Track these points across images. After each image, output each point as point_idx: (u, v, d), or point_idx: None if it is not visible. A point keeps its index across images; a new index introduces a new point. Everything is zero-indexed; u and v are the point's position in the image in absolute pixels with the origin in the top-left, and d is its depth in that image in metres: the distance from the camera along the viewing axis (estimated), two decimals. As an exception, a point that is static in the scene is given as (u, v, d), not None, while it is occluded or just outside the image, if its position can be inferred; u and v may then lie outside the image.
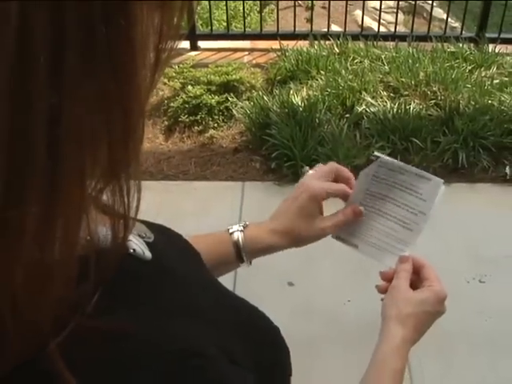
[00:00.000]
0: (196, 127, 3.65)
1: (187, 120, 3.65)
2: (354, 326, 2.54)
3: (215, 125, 3.66)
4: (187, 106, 3.68)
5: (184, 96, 3.72)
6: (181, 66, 3.99)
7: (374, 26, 5.10)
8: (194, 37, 4.26)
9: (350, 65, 3.97)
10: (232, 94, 3.76)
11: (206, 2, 4.39)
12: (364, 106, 3.62)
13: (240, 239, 0.98)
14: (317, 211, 0.99)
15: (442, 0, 5.57)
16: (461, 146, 3.36)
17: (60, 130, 0.39)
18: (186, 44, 4.23)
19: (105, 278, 0.47)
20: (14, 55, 0.36)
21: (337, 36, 4.21)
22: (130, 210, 0.48)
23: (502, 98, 3.61)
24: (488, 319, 2.60)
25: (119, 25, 0.40)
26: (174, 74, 3.93)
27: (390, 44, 4.21)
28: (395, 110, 3.56)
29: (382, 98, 3.71)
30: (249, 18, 4.84)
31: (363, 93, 3.71)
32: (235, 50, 4.31)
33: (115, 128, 0.43)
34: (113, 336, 0.48)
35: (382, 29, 4.55)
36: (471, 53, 4.11)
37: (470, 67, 3.96)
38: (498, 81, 3.84)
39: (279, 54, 4.15)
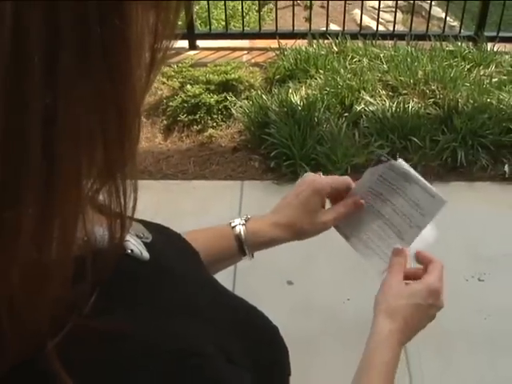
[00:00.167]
0: (195, 126, 3.65)
1: (186, 119, 3.65)
2: (353, 324, 2.53)
3: (214, 124, 3.66)
4: (186, 105, 3.68)
5: (183, 95, 3.71)
6: (179, 65, 3.99)
7: (373, 25, 5.10)
8: (192, 36, 4.26)
9: (349, 64, 3.97)
10: (231, 93, 3.76)
11: (205, 2, 4.40)
12: (363, 105, 3.62)
13: (242, 233, 0.98)
14: (319, 205, 1.00)
15: (440, -1, 5.58)
16: (459, 144, 3.36)
17: (55, 130, 0.39)
18: (184, 43, 4.24)
19: (102, 278, 0.47)
20: (8, 55, 0.36)
21: (335, 35, 4.21)
22: (127, 210, 0.48)
23: (501, 97, 3.61)
24: (487, 317, 2.60)
25: (114, 25, 0.39)
26: (172, 74, 3.92)
27: (389, 43, 4.21)
28: (394, 108, 3.56)
29: (380, 96, 3.71)
30: (247, 18, 4.84)
31: (362, 92, 3.71)
32: (234, 49, 4.31)
33: (110, 128, 0.43)
34: (110, 336, 0.48)
35: (381, 28, 4.55)
36: (470, 51, 4.11)
37: (468, 66, 3.96)
38: (496, 79, 3.84)
39: (278, 53, 4.14)
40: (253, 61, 4.22)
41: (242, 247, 0.98)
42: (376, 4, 4.73)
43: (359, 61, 4.01)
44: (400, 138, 3.40)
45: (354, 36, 4.23)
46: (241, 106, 3.68)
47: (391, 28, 4.49)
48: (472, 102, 3.58)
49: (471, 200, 3.19)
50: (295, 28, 4.32)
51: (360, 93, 3.70)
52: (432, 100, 3.68)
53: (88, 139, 0.42)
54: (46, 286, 0.43)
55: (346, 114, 3.60)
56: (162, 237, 0.69)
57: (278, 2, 4.44)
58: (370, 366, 0.86)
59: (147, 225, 0.69)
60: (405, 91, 3.75)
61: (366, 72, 3.87)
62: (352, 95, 3.68)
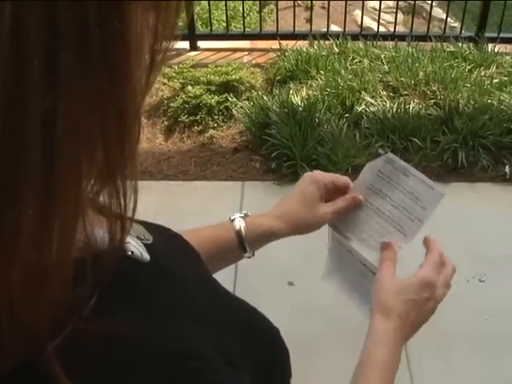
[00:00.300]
0: (196, 127, 3.65)
1: (187, 120, 3.65)
2: (354, 324, 2.53)
3: (215, 125, 3.66)
4: (187, 106, 3.68)
5: (184, 96, 3.72)
6: (180, 66, 3.99)
7: (374, 25, 5.10)
8: (193, 37, 4.26)
9: (350, 65, 3.96)
10: (232, 94, 3.76)
11: (206, 3, 4.40)
12: (363, 106, 3.62)
13: (241, 224, 0.98)
14: (317, 197, 0.99)
15: (441, 0, 5.57)
16: (460, 145, 3.36)
17: (55, 130, 0.39)
18: (185, 44, 4.23)
19: (102, 280, 0.47)
20: (8, 55, 0.36)
21: (336, 36, 4.21)
22: (127, 212, 0.48)
23: (502, 98, 3.61)
24: (488, 318, 2.60)
25: (113, 25, 0.39)
26: (173, 74, 3.93)
27: (390, 44, 4.21)
28: (395, 109, 3.56)
29: (381, 97, 3.71)
30: (248, 18, 4.84)
31: (363, 92, 3.71)
32: (235, 50, 4.31)
33: (110, 129, 0.43)
34: (110, 338, 0.47)
35: (382, 29, 4.54)
36: (470, 52, 4.11)
37: (469, 67, 3.96)
38: (497, 80, 3.84)
39: (279, 53, 4.14)
40: (254, 62, 4.22)
41: (242, 240, 0.97)
42: (377, 5, 4.73)
43: (360, 62, 4.01)
44: (401, 139, 3.40)
45: (354, 37, 4.23)
46: (242, 107, 3.68)
47: (392, 29, 4.49)
48: (473, 102, 3.58)
49: (472, 201, 3.18)
50: (296, 29, 4.31)
51: (361, 93, 3.70)
52: (433, 101, 3.68)
53: (88, 140, 0.41)
54: (45, 289, 0.43)
55: (346, 115, 3.60)
56: (162, 238, 0.69)
57: (279, 3, 4.44)
58: (367, 366, 0.85)
59: (148, 226, 0.68)
60: (406, 92, 3.74)
61: (367, 73, 3.87)
62: (353, 96, 3.68)
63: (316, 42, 4.17)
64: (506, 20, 4.37)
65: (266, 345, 0.68)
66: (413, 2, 4.56)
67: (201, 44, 4.33)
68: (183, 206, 3.15)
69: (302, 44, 4.19)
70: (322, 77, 3.85)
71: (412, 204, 0.96)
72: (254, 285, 2.61)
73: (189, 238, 0.79)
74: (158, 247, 0.64)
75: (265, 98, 3.67)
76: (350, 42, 4.18)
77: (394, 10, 4.64)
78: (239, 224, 0.98)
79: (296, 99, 3.62)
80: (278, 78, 3.95)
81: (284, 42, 4.21)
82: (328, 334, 2.54)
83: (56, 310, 0.43)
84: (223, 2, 4.49)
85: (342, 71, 3.87)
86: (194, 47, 4.29)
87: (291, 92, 3.71)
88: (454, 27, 5.43)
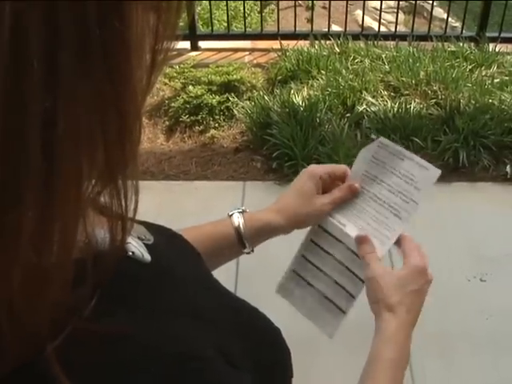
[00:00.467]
0: (197, 127, 3.65)
1: (188, 120, 3.65)
2: (355, 325, 2.53)
3: (216, 125, 3.66)
4: (188, 106, 3.68)
5: (185, 96, 3.71)
6: (181, 66, 3.99)
7: (375, 25, 5.10)
8: (194, 37, 4.25)
9: (351, 64, 3.96)
10: (233, 94, 3.76)
11: (207, 3, 4.39)
12: (365, 106, 3.62)
13: (239, 219, 0.98)
14: (314, 190, 0.99)
15: (442, 0, 5.58)
16: (461, 145, 3.36)
17: (55, 131, 0.39)
18: (186, 44, 4.23)
19: (103, 281, 0.47)
20: (8, 55, 0.36)
21: (337, 36, 4.21)
22: (128, 212, 0.48)
23: (503, 97, 3.61)
24: (489, 318, 2.60)
25: (113, 25, 0.39)
26: (174, 74, 3.92)
27: (391, 44, 4.20)
28: (396, 109, 3.55)
29: (382, 97, 3.71)
30: (249, 18, 4.84)
31: (364, 92, 3.71)
32: (236, 50, 4.30)
33: (111, 129, 0.43)
34: (111, 339, 0.47)
35: (383, 28, 4.54)
36: (471, 52, 4.10)
37: (470, 66, 3.96)
38: (498, 80, 3.84)
39: (280, 53, 4.14)
40: (255, 62, 4.22)
41: (240, 235, 0.97)
42: (378, 5, 4.72)
43: (361, 61, 4.00)
44: (402, 139, 3.39)
45: (355, 37, 4.22)
46: (243, 107, 3.67)
47: (393, 29, 4.48)
48: (474, 102, 3.58)
49: (473, 200, 3.18)
50: (297, 29, 4.31)
51: (362, 93, 3.70)
52: (434, 100, 3.67)
53: (88, 140, 0.41)
54: (46, 289, 0.43)
55: (347, 115, 3.59)
56: (163, 238, 0.69)
57: (280, 3, 4.44)
58: (376, 364, 0.85)
59: (149, 226, 0.68)
60: (407, 92, 3.74)
61: (368, 73, 3.87)
62: (354, 96, 3.67)
63: (317, 41, 4.17)
64: (507, 20, 4.37)
65: (267, 345, 0.68)
66: (414, 2, 4.56)
67: (202, 44, 4.33)
68: (184, 206, 3.14)
69: (303, 44, 4.18)
70: (323, 77, 3.84)
71: (407, 186, 0.95)
72: (255, 285, 2.61)
73: (188, 235, 0.79)
74: (159, 248, 0.64)
75: (266, 97, 3.67)
76: (351, 42, 4.17)
77: (395, 10, 4.64)
78: (237, 219, 0.98)
79: (297, 99, 3.62)
80: (279, 77, 3.95)
81: (285, 42, 4.20)
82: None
83: (56, 311, 0.43)
84: (224, 2, 4.49)
85: (343, 71, 3.87)
86: (195, 47, 4.29)
87: (292, 92, 3.70)
88: (455, 27, 5.42)
